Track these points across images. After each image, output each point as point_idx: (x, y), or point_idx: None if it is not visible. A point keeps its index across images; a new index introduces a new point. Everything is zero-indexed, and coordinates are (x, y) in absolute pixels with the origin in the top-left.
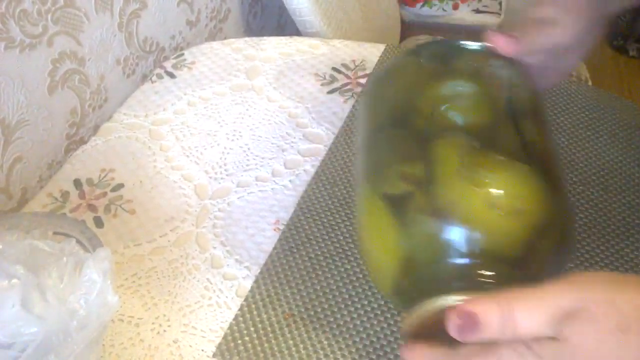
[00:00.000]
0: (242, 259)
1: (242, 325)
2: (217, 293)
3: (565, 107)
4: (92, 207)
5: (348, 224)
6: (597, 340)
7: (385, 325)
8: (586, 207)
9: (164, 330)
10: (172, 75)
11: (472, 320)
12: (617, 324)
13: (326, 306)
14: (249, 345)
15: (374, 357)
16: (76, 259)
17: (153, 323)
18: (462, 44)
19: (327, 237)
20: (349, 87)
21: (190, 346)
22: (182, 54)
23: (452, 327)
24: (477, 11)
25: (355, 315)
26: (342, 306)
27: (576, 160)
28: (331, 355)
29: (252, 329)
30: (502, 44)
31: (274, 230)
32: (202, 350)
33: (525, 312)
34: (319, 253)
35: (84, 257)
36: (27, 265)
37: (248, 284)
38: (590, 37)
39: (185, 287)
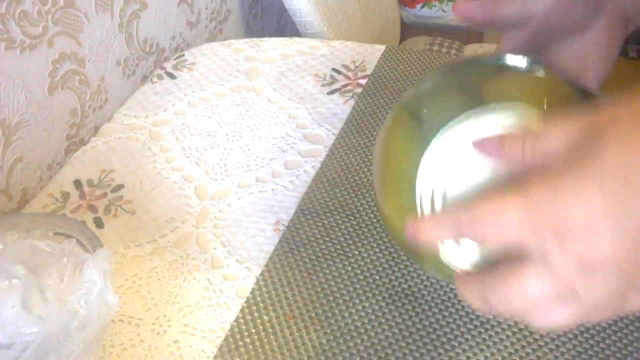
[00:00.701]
0: (243, 260)
1: (243, 327)
2: (218, 294)
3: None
4: (92, 208)
5: (348, 224)
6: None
7: (386, 327)
8: None
9: (164, 331)
10: (172, 76)
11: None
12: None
13: (327, 308)
14: (250, 347)
15: (374, 358)
16: (76, 259)
17: (153, 323)
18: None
19: (327, 238)
20: (349, 88)
21: (191, 347)
22: (183, 55)
23: (475, 144)
24: None
25: (356, 317)
26: (343, 308)
27: None
28: (332, 358)
29: (253, 330)
30: (467, 11)
31: (274, 230)
32: (202, 350)
33: (549, 136)
34: (320, 255)
35: (84, 258)
36: (27, 265)
37: (248, 285)
38: (591, 16)
39: (186, 287)
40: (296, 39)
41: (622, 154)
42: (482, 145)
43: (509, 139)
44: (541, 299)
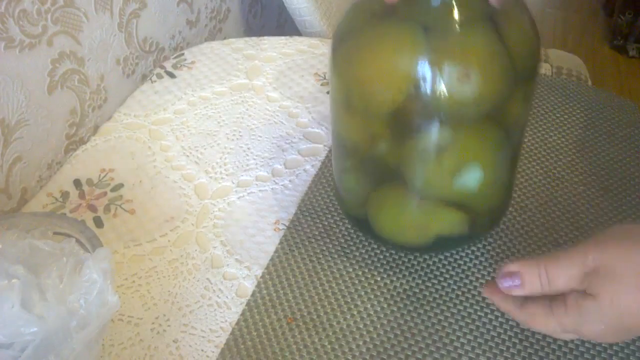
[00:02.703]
0: (242, 259)
1: (245, 330)
2: (217, 293)
3: (565, 107)
4: (92, 207)
5: (348, 224)
6: (626, 294)
7: (388, 329)
8: (587, 207)
9: (164, 330)
10: (172, 75)
11: (516, 277)
12: (636, 279)
13: (329, 310)
14: (252, 350)
15: None
16: (76, 258)
17: (153, 323)
18: None
19: (328, 240)
20: None
21: (190, 346)
22: (182, 54)
23: (500, 284)
24: None
25: (358, 319)
26: (345, 309)
27: (576, 160)
28: None
29: (254, 333)
30: None
31: (274, 230)
32: (202, 350)
33: (557, 270)
34: (321, 256)
35: (84, 257)
36: (27, 265)
37: (248, 284)
38: None
39: (185, 287)
40: (296, 37)
41: (614, 305)
42: (504, 279)
43: (527, 274)
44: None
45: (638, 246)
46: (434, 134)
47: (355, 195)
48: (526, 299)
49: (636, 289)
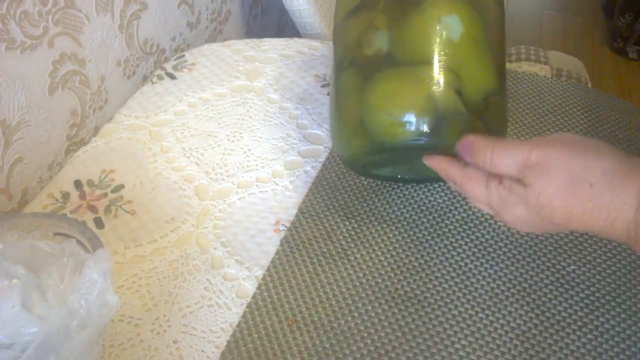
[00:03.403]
0: (243, 260)
1: (246, 332)
2: (218, 294)
3: (564, 109)
4: (92, 208)
5: (349, 226)
6: (555, 188)
7: (389, 330)
8: None
9: (164, 331)
10: (172, 77)
11: (469, 146)
12: (569, 180)
13: (330, 312)
14: (253, 352)
15: None
16: (77, 259)
17: (153, 323)
18: None
19: (328, 241)
20: None
21: (190, 347)
22: (183, 56)
23: (458, 147)
24: None
25: (359, 321)
26: (346, 312)
27: None
28: None
29: (255, 335)
30: None
31: (275, 231)
32: (202, 351)
33: (503, 153)
34: (321, 257)
35: (85, 258)
36: (27, 265)
37: (249, 285)
38: None
39: (186, 287)
40: (296, 39)
41: (540, 196)
42: (461, 146)
43: (478, 146)
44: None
45: (575, 153)
46: None
47: (350, 94)
48: (469, 165)
49: (563, 186)
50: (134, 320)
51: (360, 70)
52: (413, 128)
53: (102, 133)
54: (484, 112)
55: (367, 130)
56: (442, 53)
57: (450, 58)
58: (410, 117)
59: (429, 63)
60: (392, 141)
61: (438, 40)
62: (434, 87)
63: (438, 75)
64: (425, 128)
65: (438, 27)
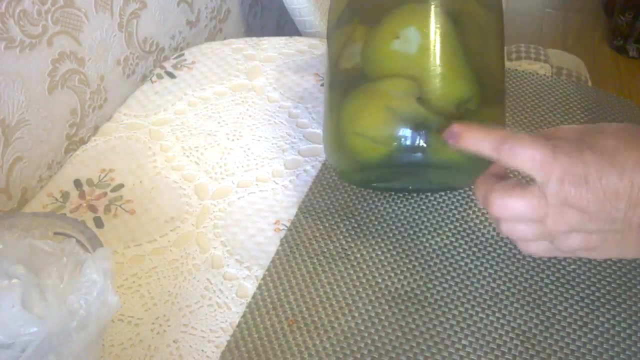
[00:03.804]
0: (243, 259)
1: (246, 332)
2: (217, 293)
3: (564, 108)
4: (92, 207)
5: (349, 225)
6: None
7: (390, 330)
8: None
9: (164, 331)
10: (172, 76)
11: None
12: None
13: (330, 312)
14: (253, 352)
15: None
16: (76, 259)
17: (153, 323)
18: None
19: (329, 241)
20: None
21: (190, 346)
22: (182, 54)
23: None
24: None
25: (359, 321)
26: (346, 311)
27: None
28: None
29: (255, 335)
30: None
31: (275, 230)
32: (202, 350)
33: (518, 148)
34: (322, 257)
35: (84, 257)
36: (27, 265)
37: (248, 285)
38: None
39: (186, 287)
40: (296, 38)
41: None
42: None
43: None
44: (520, 215)
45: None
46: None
47: (332, 112)
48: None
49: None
50: (134, 320)
51: (340, 86)
52: (387, 144)
53: (101, 132)
54: (461, 119)
55: (345, 150)
56: (401, 65)
57: (411, 69)
58: (378, 134)
59: (389, 76)
60: (368, 160)
61: (396, 52)
62: (395, 101)
63: (398, 87)
64: (397, 142)
65: (395, 40)
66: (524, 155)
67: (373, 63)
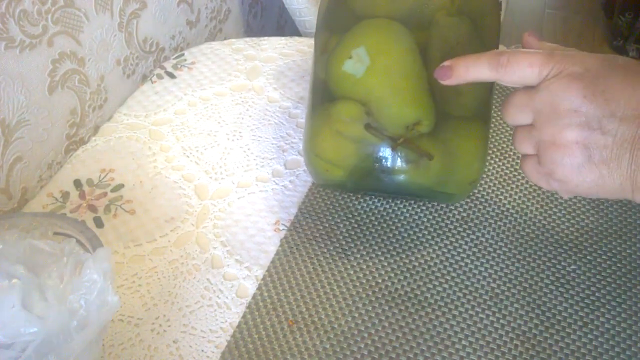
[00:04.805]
0: (243, 260)
1: (246, 332)
2: (217, 293)
3: None
4: (92, 208)
5: (349, 226)
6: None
7: (390, 331)
8: (587, 209)
9: (164, 331)
10: (172, 76)
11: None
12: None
13: (330, 312)
14: (253, 353)
15: None
16: (76, 259)
17: (153, 323)
18: None
19: (328, 242)
20: None
21: (190, 346)
22: (182, 54)
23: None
24: None
25: (359, 321)
26: (347, 312)
27: None
28: None
29: (255, 336)
30: None
31: (275, 230)
32: (202, 350)
33: (516, 56)
34: (322, 258)
35: (84, 257)
36: (27, 265)
37: (248, 285)
38: None
39: (185, 287)
40: (296, 38)
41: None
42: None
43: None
44: (515, 108)
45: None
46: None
47: (305, 128)
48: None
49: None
50: (134, 320)
51: (314, 96)
52: (341, 167)
53: (101, 132)
54: (413, 140)
55: (310, 167)
56: (351, 88)
57: (359, 93)
58: (332, 158)
59: (342, 98)
60: (328, 181)
61: (347, 74)
62: (344, 126)
63: (348, 111)
64: (349, 167)
65: (348, 61)
66: (523, 62)
67: (330, 82)
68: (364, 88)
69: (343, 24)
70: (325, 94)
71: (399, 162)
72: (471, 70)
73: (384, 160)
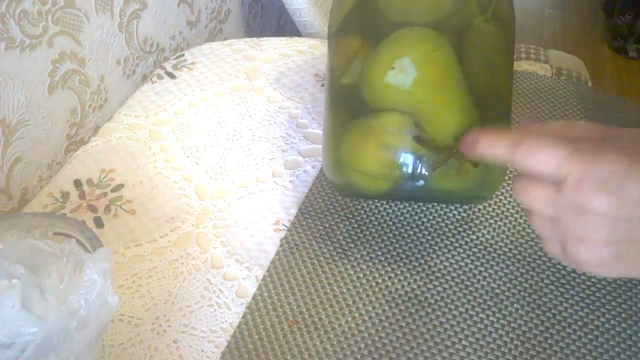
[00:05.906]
0: (243, 260)
1: (246, 333)
2: (217, 293)
3: (565, 108)
4: (92, 208)
5: (349, 226)
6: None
7: (390, 331)
8: None
9: (164, 331)
10: (172, 76)
11: (475, 141)
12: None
13: (330, 312)
14: (253, 353)
15: None
16: (76, 259)
17: (153, 323)
18: None
19: (328, 242)
20: None
21: (190, 346)
22: (182, 55)
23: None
24: None
25: (360, 321)
26: (347, 312)
27: None
28: None
29: (255, 336)
30: None
31: (275, 230)
32: (202, 350)
33: (534, 148)
34: (322, 258)
35: (84, 257)
36: (27, 265)
37: (248, 285)
38: None
39: (186, 287)
40: (296, 38)
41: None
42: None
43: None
44: (538, 204)
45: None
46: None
47: (330, 136)
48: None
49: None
50: (134, 320)
51: (340, 106)
52: (386, 180)
53: (101, 132)
54: (459, 152)
55: (347, 182)
56: (396, 99)
57: (406, 104)
58: (377, 172)
59: (385, 110)
60: (369, 194)
61: (391, 86)
62: (391, 138)
63: (394, 123)
64: (396, 179)
65: (390, 72)
66: (540, 157)
67: (370, 93)
68: (412, 99)
69: (374, 29)
70: (352, 104)
71: (447, 171)
72: (491, 149)
73: (430, 170)
